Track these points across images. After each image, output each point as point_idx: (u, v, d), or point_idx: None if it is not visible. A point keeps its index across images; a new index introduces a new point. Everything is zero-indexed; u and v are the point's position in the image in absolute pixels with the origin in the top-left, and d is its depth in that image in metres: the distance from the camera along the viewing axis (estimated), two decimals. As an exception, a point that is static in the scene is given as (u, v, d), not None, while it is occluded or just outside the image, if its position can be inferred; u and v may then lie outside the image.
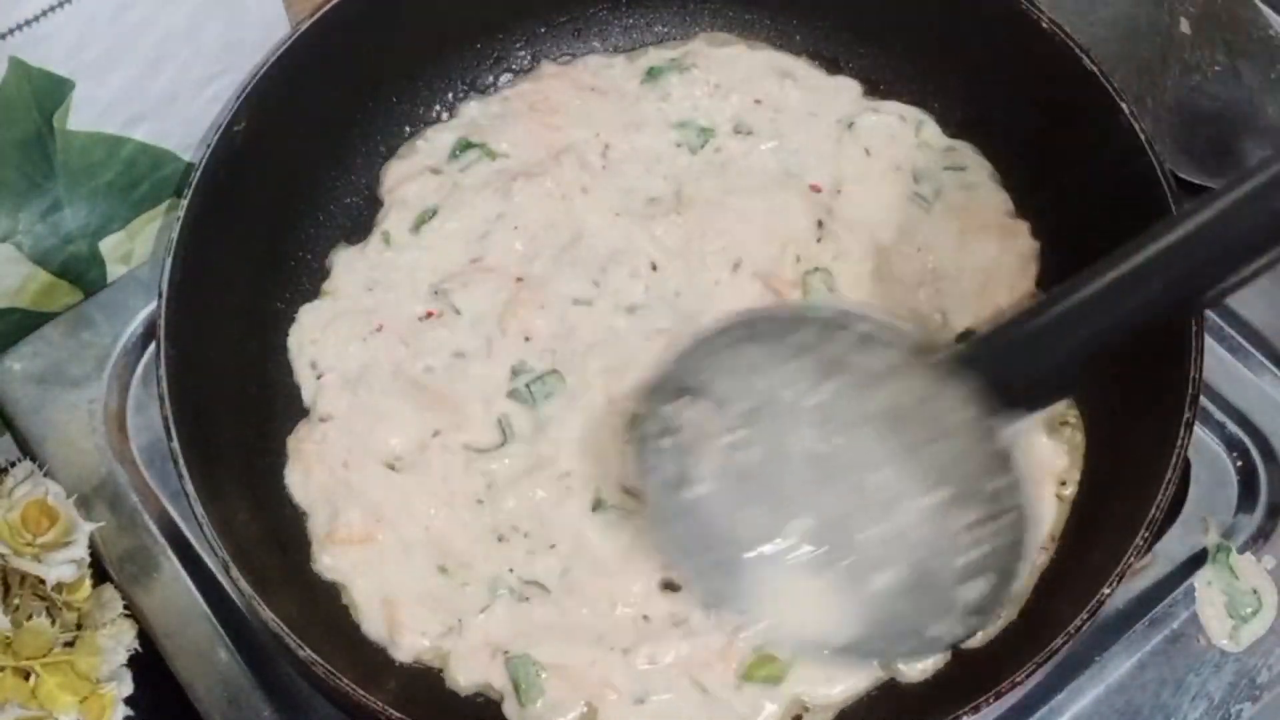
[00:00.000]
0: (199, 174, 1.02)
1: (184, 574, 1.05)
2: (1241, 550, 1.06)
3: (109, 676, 0.97)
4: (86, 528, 1.00)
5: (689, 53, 1.20)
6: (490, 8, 1.19)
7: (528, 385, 1.06)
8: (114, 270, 1.19)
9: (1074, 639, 0.90)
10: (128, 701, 0.97)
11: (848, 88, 1.19)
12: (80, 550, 0.99)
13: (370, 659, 0.99)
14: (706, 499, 0.91)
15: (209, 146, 1.03)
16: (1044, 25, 1.07)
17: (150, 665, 1.01)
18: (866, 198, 1.13)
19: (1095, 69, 1.05)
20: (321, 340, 1.09)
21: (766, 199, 1.13)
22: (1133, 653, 1.03)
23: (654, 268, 1.11)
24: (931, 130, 1.17)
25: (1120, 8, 1.21)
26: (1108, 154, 1.05)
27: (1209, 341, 0.98)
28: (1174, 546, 1.07)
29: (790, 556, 0.90)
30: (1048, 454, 1.05)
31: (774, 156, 1.16)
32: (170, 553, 1.06)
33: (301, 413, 1.08)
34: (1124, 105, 1.03)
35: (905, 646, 0.92)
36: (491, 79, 1.21)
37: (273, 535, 1.02)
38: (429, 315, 1.10)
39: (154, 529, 1.07)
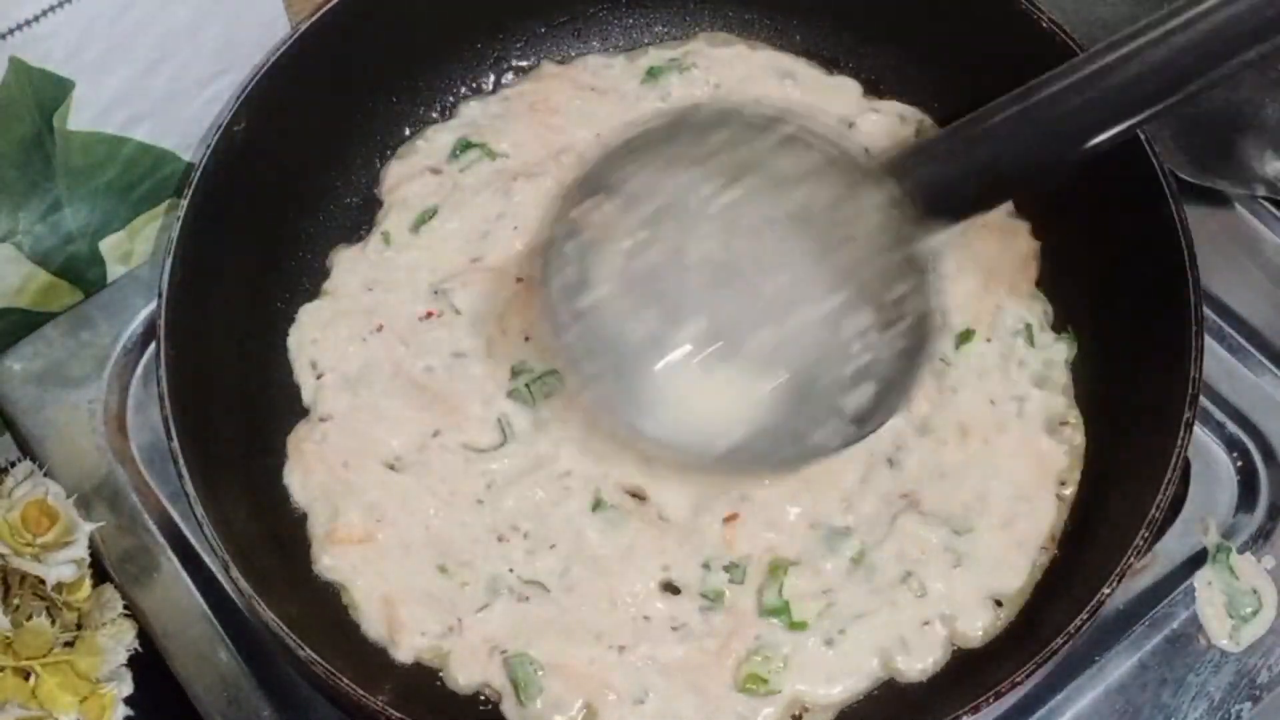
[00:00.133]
0: (199, 174, 1.02)
1: (184, 574, 1.05)
2: (1241, 550, 1.06)
3: (109, 676, 0.97)
4: (86, 528, 1.00)
5: (689, 53, 1.20)
6: (490, 8, 1.19)
7: (528, 385, 1.06)
8: (114, 270, 1.19)
9: (1074, 639, 0.90)
10: (128, 701, 0.97)
11: (848, 88, 1.19)
12: (80, 550, 0.99)
13: (370, 659, 0.99)
14: (602, 303, 0.91)
15: (209, 146, 1.03)
16: (1044, 25, 1.07)
17: (150, 665, 1.01)
18: (866, 197, 1.13)
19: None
20: (321, 340, 1.09)
21: (766, 199, 1.13)
22: (1133, 653, 1.03)
23: (654, 267, 1.11)
24: (931, 130, 1.17)
25: (1120, 8, 1.21)
26: (1108, 154, 1.04)
27: (1209, 341, 0.98)
28: (1174, 546, 1.07)
29: (677, 358, 0.90)
30: (1048, 454, 1.05)
31: (773, 156, 1.16)
32: (170, 553, 1.06)
33: (301, 413, 1.08)
34: (1124, 105, 1.03)
35: (788, 452, 0.91)
36: (491, 79, 1.21)
37: (273, 535, 1.02)
38: (429, 315, 1.10)
39: (154, 529, 1.07)
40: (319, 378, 1.08)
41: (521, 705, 0.97)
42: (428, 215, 1.13)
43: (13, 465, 1.03)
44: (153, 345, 1.02)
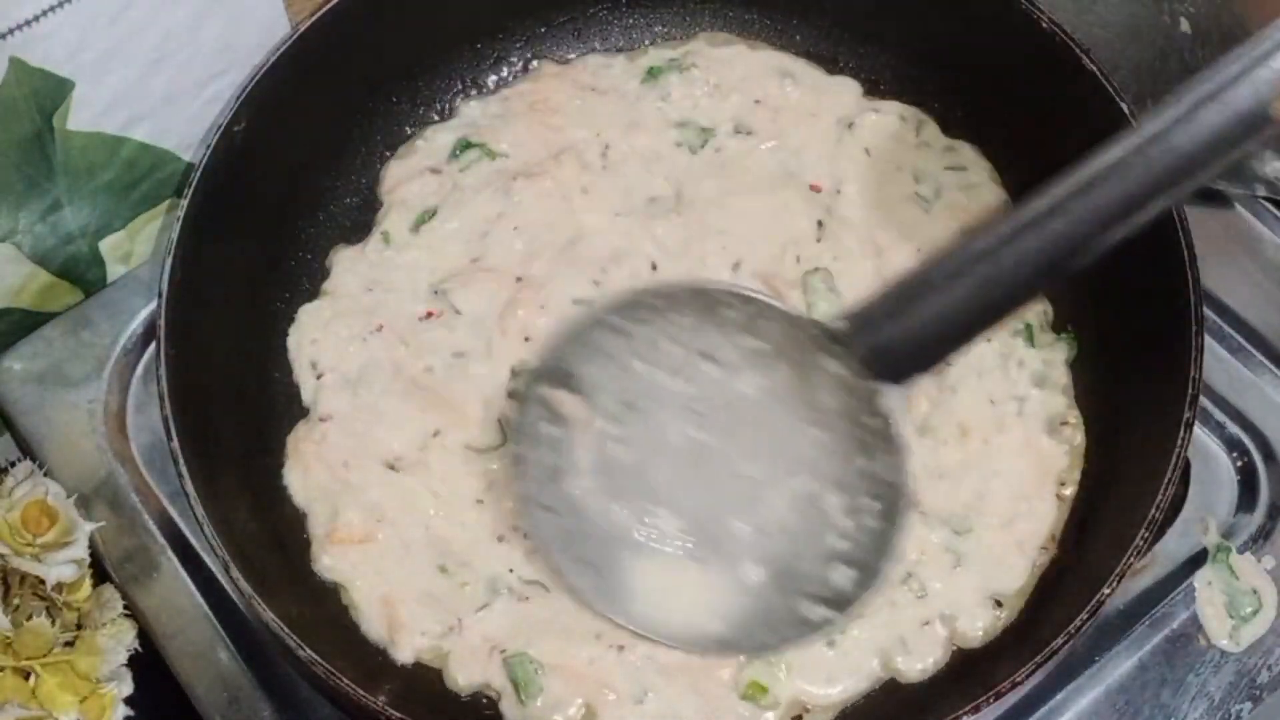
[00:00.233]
0: (199, 174, 1.02)
1: (184, 574, 1.05)
2: (1241, 550, 1.06)
3: (109, 676, 0.97)
4: (86, 528, 1.00)
5: (689, 52, 1.20)
6: (490, 8, 1.19)
7: (527, 385, 1.06)
8: (114, 270, 1.19)
9: (1074, 639, 0.90)
10: (128, 701, 0.97)
11: (848, 88, 1.19)
12: (80, 550, 0.99)
13: (370, 659, 0.99)
14: (575, 498, 0.93)
15: (209, 147, 1.03)
16: (1044, 25, 1.07)
17: (150, 665, 1.01)
18: (866, 198, 1.13)
19: (1095, 69, 1.05)
20: (321, 340, 1.09)
21: (766, 199, 1.13)
22: (1133, 653, 1.03)
23: (654, 268, 1.11)
24: (931, 130, 1.17)
25: (1120, 8, 1.21)
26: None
27: (1209, 342, 0.98)
28: (1174, 546, 1.07)
29: (659, 550, 0.92)
30: (1048, 454, 1.05)
31: (774, 156, 1.16)
32: (170, 553, 1.06)
33: (301, 412, 1.08)
34: (1124, 105, 1.03)
35: (781, 635, 0.93)
36: (491, 79, 1.21)
37: (273, 535, 1.02)
38: (429, 315, 1.10)
39: (154, 529, 1.07)
40: (319, 378, 1.08)
41: (521, 705, 0.97)
42: (428, 215, 1.13)
43: (13, 465, 1.04)
44: (153, 345, 1.02)
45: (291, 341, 1.10)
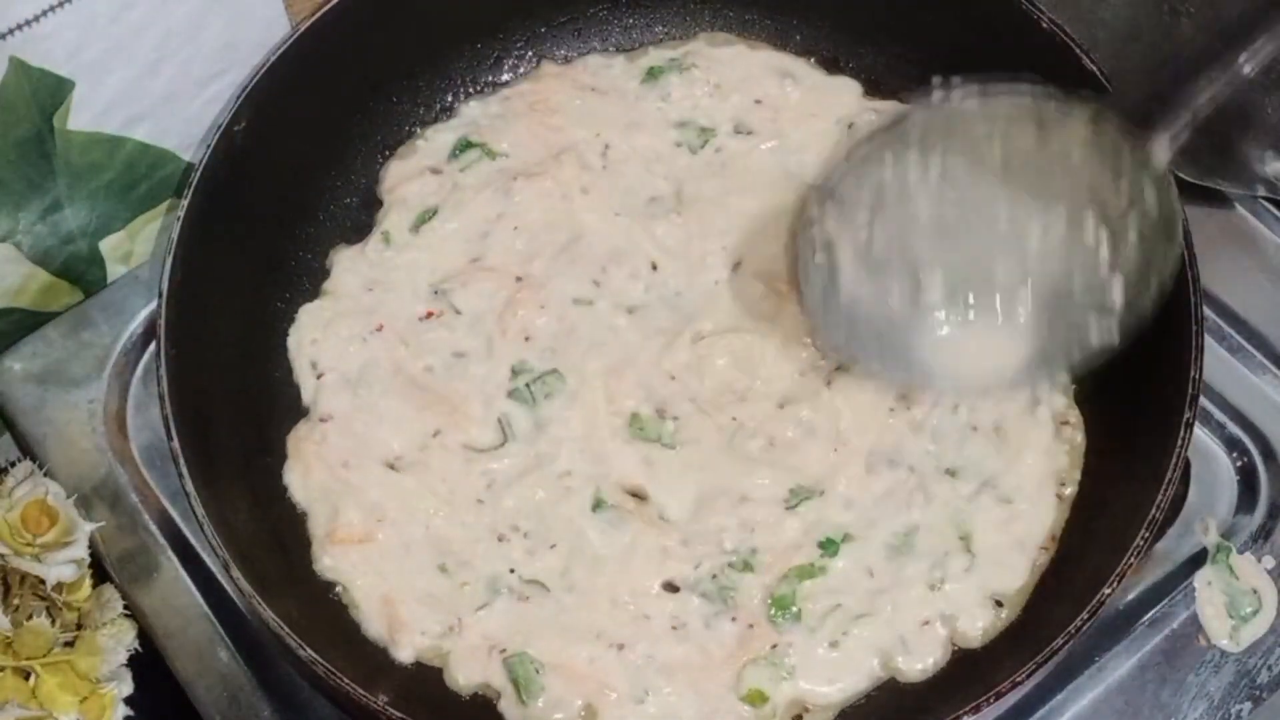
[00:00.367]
0: (199, 174, 1.02)
1: (184, 574, 1.05)
2: (1241, 550, 1.06)
3: (109, 676, 0.97)
4: (86, 527, 1.00)
5: (689, 53, 1.20)
6: (490, 8, 1.19)
7: (528, 385, 1.06)
8: (114, 270, 1.19)
9: (1074, 639, 0.90)
10: (128, 701, 0.97)
11: (848, 88, 1.19)
12: (80, 550, 0.99)
13: (370, 659, 0.99)
14: (854, 294, 0.98)
15: (209, 146, 1.03)
16: (1044, 25, 1.07)
17: (150, 665, 1.01)
18: (867, 197, 1.13)
19: (1095, 69, 1.05)
20: (321, 340, 1.09)
21: (766, 199, 1.13)
22: (1133, 653, 1.03)
23: (654, 267, 1.11)
24: (932, 130, 1.17)
25: (1120, 8, 1.21)
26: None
27: (1209, 342, 0.98)
28: (1174, 546, 1.07)
29: (938, 318, 0.97)
30: (1048, 454, 1.05)
31: (774, 156, 1.16)
32: (170, 553, 1.06)
33: (301, 412, 1.08)
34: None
35: (1075, 354, 0.97)
36: (491, 79, 1.21)
37: (273, 535, 1.02)
38: (429, 315, 1.10)
39: (154, 529, 1.07)
40: (319, 378, 1.08)
41: (522, 704, 0.97)
42: (428, 215, 1.13)
43: (13, 465, 1.04)
44: (153, 345, 1.02)
45: (291, 341, 1.10)
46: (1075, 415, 1.06)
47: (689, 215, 1.12)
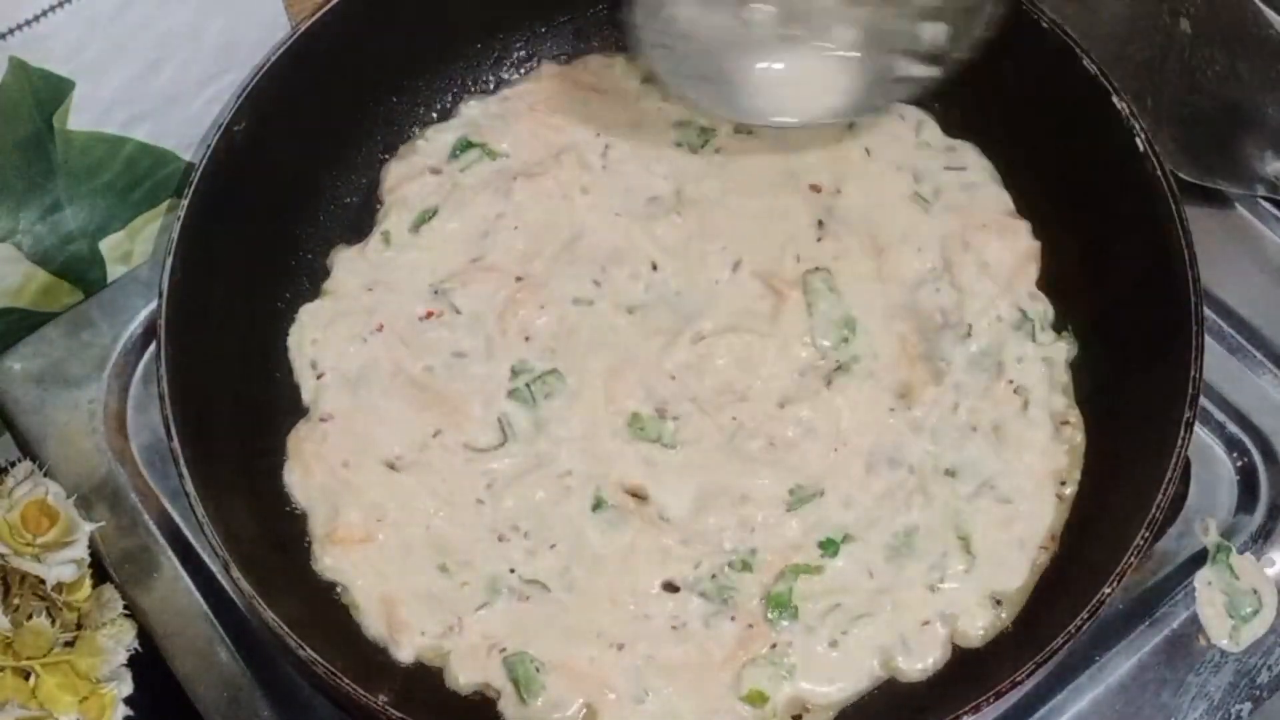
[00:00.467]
0: (199, 174, 1.02)
1: (184, 574, 1.05)
2: (1241, 550, 1.06)
3: (109, 676, 0.97)
4: (86, 528, 1.00)
5: (689, 53, 1.20)
6: (490, 8, 1.19)
7: (528, 385, 1.06)
8: (114, 270, 1.19)
9: (1074, 639, 0.90)
10: (128, 701, 0.97)
11: (848, 88, 1.19)
12: (80, 550, 0.99)
13: (370, 659, 0.99)
14: (681, 17, 0.98)
15: (209, 147, 1.03)
16: (1044, 25, 1.07)
17: (150, 665, 1.01)
18: (866, 198, 1.13)
19: (1095, 69, 1.05)
20: (322, 340, 1.09)
21: (766, 199, 1.13)
22: (1132, 653, 1.03)
23: (654, 267, 1.11)
24: (931, 130, 1.17)
25: (1120, 8, 1.21)
26: (1108, 154, 1.05)
27: (1209, 341, 0.98)
28: (1174, 546, 1.07)
29: (761, 44, 0.98)
30: (1048, 454, 1.05)
31: (774, 156, 1.16)
32: (170, 553, 1.06)
33: (301, 412, 1.08)
34: (1124, 105, 1.03)
35: (888, 93, 0.99)
36: (491, 79, 1.21)
37: (273, 535, 1.02)
38: (429, 315, 1.10)
39: (154, 529, 1.07)
40: (319, 378, 1.08)
41: (522, 704, 0.97)
42: (428, 215, 1.13)
43: (13, 465, 1.04)
44: (153, 345, 1.02)
45: (292, 341, 1.10)
46: (1075, 415, 1.06)
47: (689, 215, 1.12)
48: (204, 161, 1.02)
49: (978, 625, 1.00)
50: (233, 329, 1.07)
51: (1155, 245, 1.01)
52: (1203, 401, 1.00)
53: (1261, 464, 1.10)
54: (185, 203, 1.01)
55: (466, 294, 1.10)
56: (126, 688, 0.98)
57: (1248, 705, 1.01)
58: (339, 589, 1.02)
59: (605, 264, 1.11)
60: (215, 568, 1.04)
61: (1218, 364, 1.13)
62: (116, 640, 0.99)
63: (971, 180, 1.14)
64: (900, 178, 1.14)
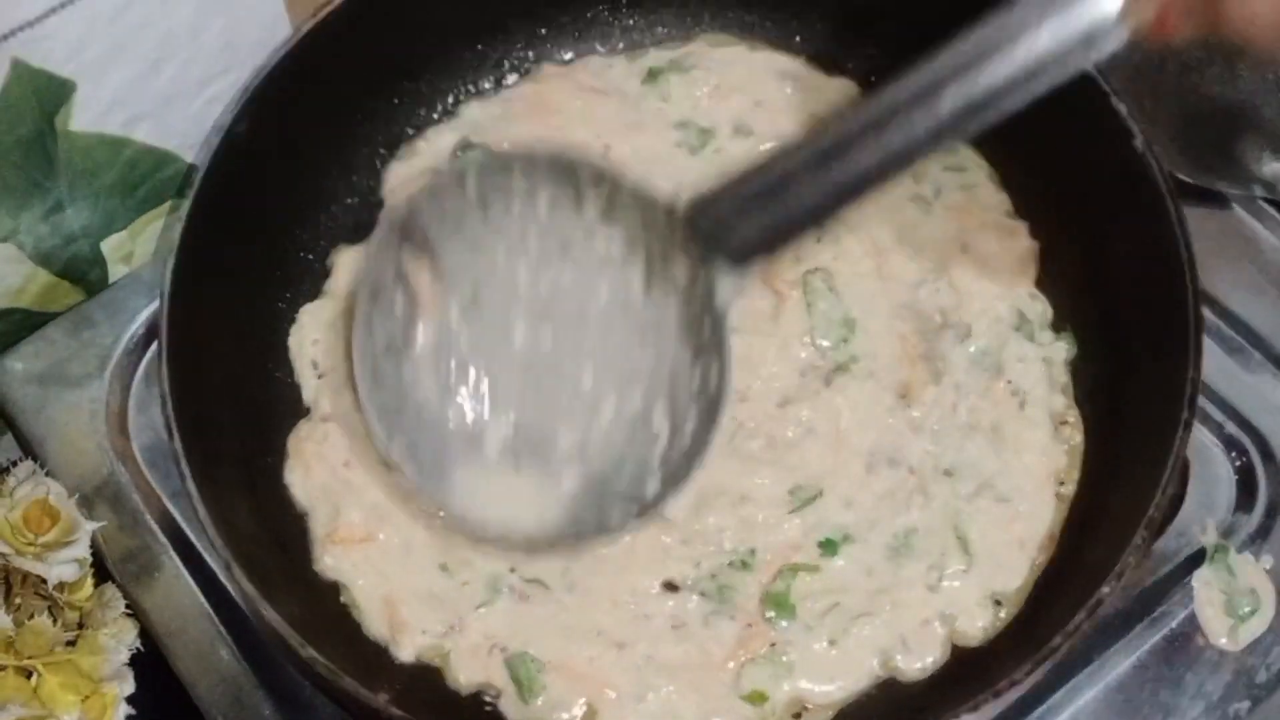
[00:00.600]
0: (200, 175, 1.02)
1: (185, 573, 1.05)
2: (1240, 550, 1.06)
3: (111, 676, 0.97)
4: (88, 527, 1.01)
5: (689, 54, 1.20)
6: (490, 9, 1.19)
7: (528, 385, 1.06)
8: (115, 270, 1.19)
9: (1073, 638, 0.90)
10: (129, 701, 0.98)
11: (847, 89, 1.19)
12: (82, 550, 1.00)
13: (371, 658, 0.99)
14: (410, 378, 0.93)
15: (210, 147, 1.03)
16: (1043, 26, 1.07)
17: (152, 664, 1.01)
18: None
19: (1094, 70, 1.05)
20: (323, 340, 1.09)
21: (766, 199, 1.13)
22: (1131, 652, 1.03)
23: (654, 268, 1.11)
24: (931, 131, 1.17)
25: (1119, 8, 1.21)
26: (1107, 154, 1.05)
27: (1207, 341, 0.98)
28: (1172, 546, 1.07)
29: (482, 453, 0.93)
30: (1047, 454, 1.05)
31: (774, 157, 1.16)
32: (172, 552, 1.06)
33: (303, 412, 1.08)
34: (1123, 105, 1.03)
35: (582, 535, 0.94)
36: (492, 80, 1.21)
37: (274, 535, 1.02)
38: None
39: (155, 528, 1.07)
40: (320, 377, 1.09)
41: (523, 704, 0.97)
42: (428, 215, 1.13)
43: (14, 465, 1.04)
44: (154, 345, 1.02)
45: (293, 341, 1.10)
46: (1074, 415, 1.07)
47: (689, 215, 1.12)
48: (205, 162, 1.02)
49: (977, 625, 1.00)
50: (234, 329, 1.07)
51: (1154, 246, 1.01)
52: (1201, 401, 1.00)
53: (1260, 464, 1.10)
54: (187, 203, 1.01)
55: (467, 294, 1.10)
56: (128, 687, 0.98)
57: (1246, 704, 1.02)
58: (340, 588, 1.02)
59: (605, 264, 1.11)
60: (216, 567, 1.04)
61: (1216, 364, 1.13)
62: (118, 639, 0.99)
63: (970, 181, 1.15)
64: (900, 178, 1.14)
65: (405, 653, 0.99)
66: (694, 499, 1.03)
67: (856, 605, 0.99)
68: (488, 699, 0.99)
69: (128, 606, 1.02)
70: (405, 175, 1.16)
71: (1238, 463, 1.11)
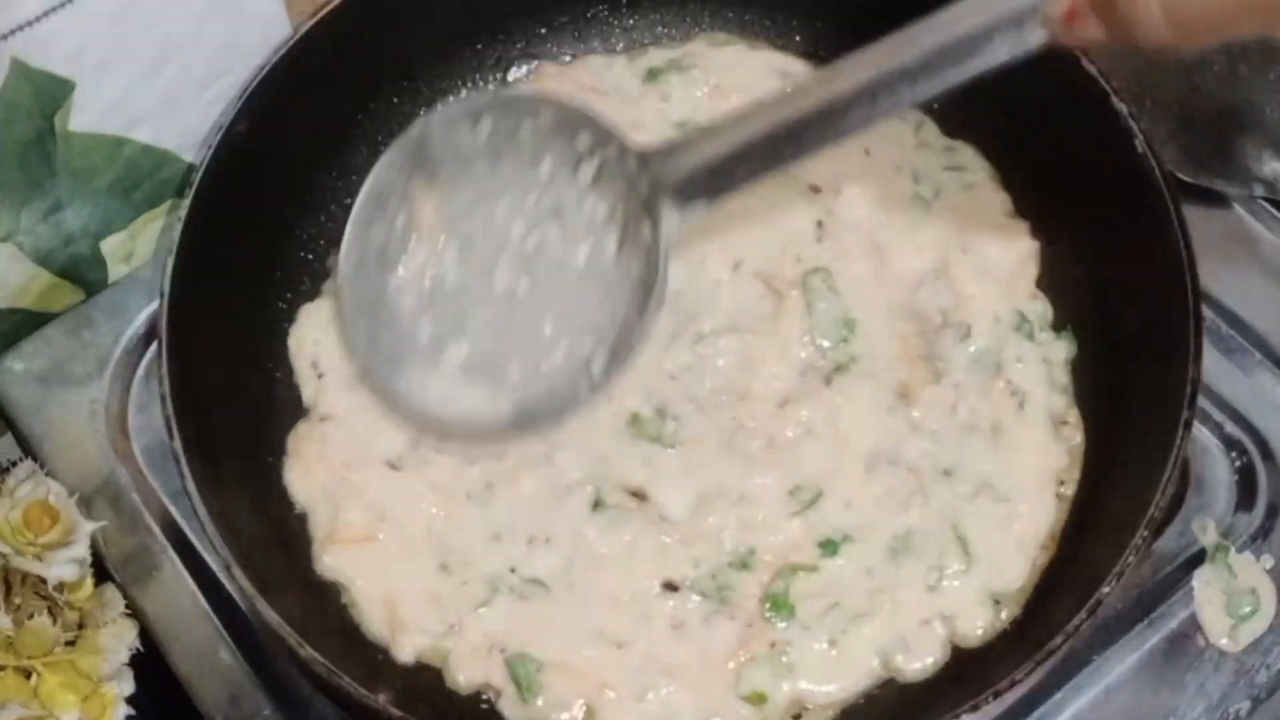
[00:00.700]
0: (200, 175, 1.02)
1: (185, 574, 1.05)
2: (1240, 550, 1.06)
3: (110, 676, 0.97)
4: (88, 527, 1.01)
5: (689, 53, 1.20)
6: (491, 9, 1.19)
7: (528, 384, 1.07)
8: (115, 270, 1.19)
9: (1073, 638, 0.90)
10: (129, 701, 0.98)
11: (847, 88, 1.19)
12: (82, 550, 1.00)
13: (371, 658, 0.99)
14: (394, 291, 0.99)
15: (210, 147, 1.03)
16: (1043, 26, 1.07)
17: (152, 664, 1.01)
18: (866, 198, 1.13)
19: (1095, 69, 1.05)
20: (323, 340, 1.09)
21: (766, 199, 1.13)
22: (1131, 652, 1.03)
23: (654, 268, 1.11)
24: (931, 130, 1.17)
25: (1119, 8, 1.21)
26: (1107, 154, 1.05)
27: (1207, 342, 0.98)
28: (1173, 546, 1.07)
29: (444, 366, 0.98)
30: (1048, 454, 1.05)
31: (774, 157, 1.16)
32: (172, 552, 1.06)
33: (302, 412, 1.08)
34: (1123, 106, 1.03)
35: (552, 416, 0.98)
36: (492, 80, 1.21)
37: (274, 535, 1.02)
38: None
39: (155, 528, 1.07)
40: (320, 377, 1.09)
41: (523, 703, 0.97)
42: (428, 215, 1.14)
43: (14, 465, 1.04)
44: (154, 345, 1.02)
45: (293, 341, 1.10)
46: (1074, 415, 1.07)
47: (689, 215, 1.12)
48: (205, 162, 1.02)
49: (977, 625, 1.00)
50: (234, 329, 1.07)
51: (1154, 245, 1.01)
52: (1201, 401, 1.00)
53: (1260, 463, 1.10)
54: (186, 203, 1.01)
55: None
56: (128, 687, 0.98)
57: (1246, 704, 1.02)
58: (340, 588, 1.02)
59: (605, 264, 1.11)
60: (216, 567, 1.04)
61: (1216, 364, 1.13)
62: (118, 640, 0.99)
63: (971, 180, 1.15)
64: (900, 178, 1.14)
65: (405, 653, 0.99)
66: (694, 499, 1.03)
67: (856, 605, 0.99)
68: (487, 699, 0.99)
69: (128, 606, 1.02)
70: (405, 175, 1.16)
71: (1238, 463, 1.11)
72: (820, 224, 1.12)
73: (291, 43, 1.07)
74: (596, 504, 1.03)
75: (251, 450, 1.05)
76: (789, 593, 0.99)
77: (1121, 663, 1.03)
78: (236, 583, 0.92)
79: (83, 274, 1.17)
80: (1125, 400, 1.04)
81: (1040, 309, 1.10)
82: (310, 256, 1.14)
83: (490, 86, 1.21)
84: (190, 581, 1.05)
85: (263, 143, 1.06)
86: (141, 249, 1.19)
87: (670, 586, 1.01)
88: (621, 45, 1.23)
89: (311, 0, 1.10)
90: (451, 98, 1.20)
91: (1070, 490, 1.04)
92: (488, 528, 1.03)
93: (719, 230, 1.12)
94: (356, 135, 1.17)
